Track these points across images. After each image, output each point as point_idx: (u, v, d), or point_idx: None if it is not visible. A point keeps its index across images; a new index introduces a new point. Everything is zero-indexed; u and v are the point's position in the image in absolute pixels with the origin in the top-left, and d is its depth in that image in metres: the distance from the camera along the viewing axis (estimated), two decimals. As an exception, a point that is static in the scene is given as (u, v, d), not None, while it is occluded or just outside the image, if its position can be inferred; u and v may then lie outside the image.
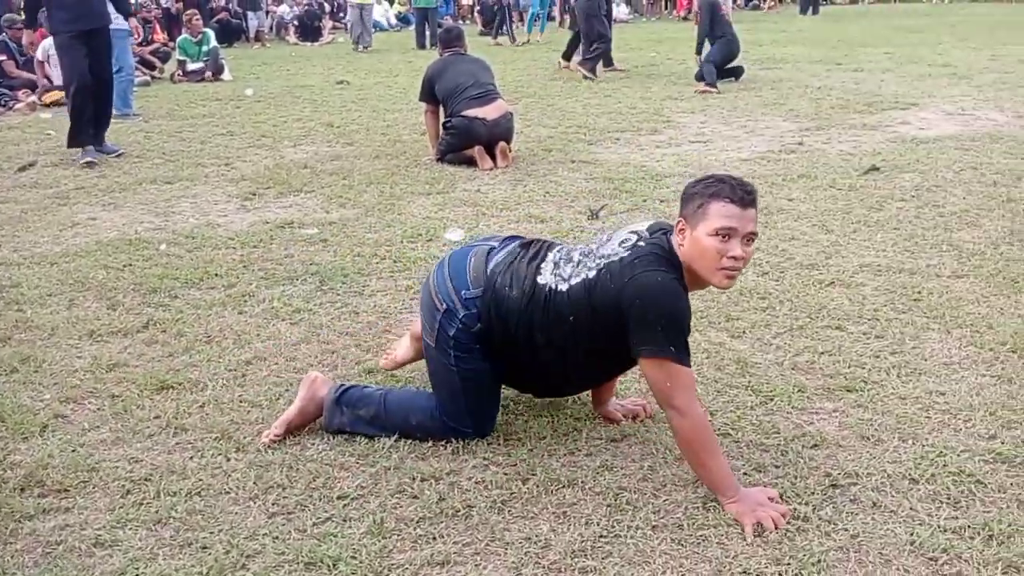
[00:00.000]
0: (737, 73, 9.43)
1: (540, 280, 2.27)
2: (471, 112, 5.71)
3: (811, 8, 20.68)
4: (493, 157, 5.73)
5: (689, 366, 2.12)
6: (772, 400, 2.65)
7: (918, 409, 2.57)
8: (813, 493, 2.17)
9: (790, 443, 2.41)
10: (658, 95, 8.71)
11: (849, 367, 2.86)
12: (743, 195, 2.11)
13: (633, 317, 2.10)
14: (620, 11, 21.05)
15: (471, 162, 5.74)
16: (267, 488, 2.24)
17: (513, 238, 2.50)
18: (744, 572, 1.91)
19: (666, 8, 22.73)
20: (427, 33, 15.06)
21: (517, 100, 8.21)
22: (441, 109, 5.99)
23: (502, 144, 5.78)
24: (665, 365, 2.09)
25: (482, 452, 2.39)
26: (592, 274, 2.20)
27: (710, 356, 2.95)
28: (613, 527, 2.06)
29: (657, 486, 2.22)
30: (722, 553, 1.97)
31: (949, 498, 2.14)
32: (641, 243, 2.19)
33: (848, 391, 2.71)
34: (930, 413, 2.56)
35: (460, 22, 19.60)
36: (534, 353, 2.29)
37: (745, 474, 2.26)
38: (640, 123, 7.21)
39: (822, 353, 2.97)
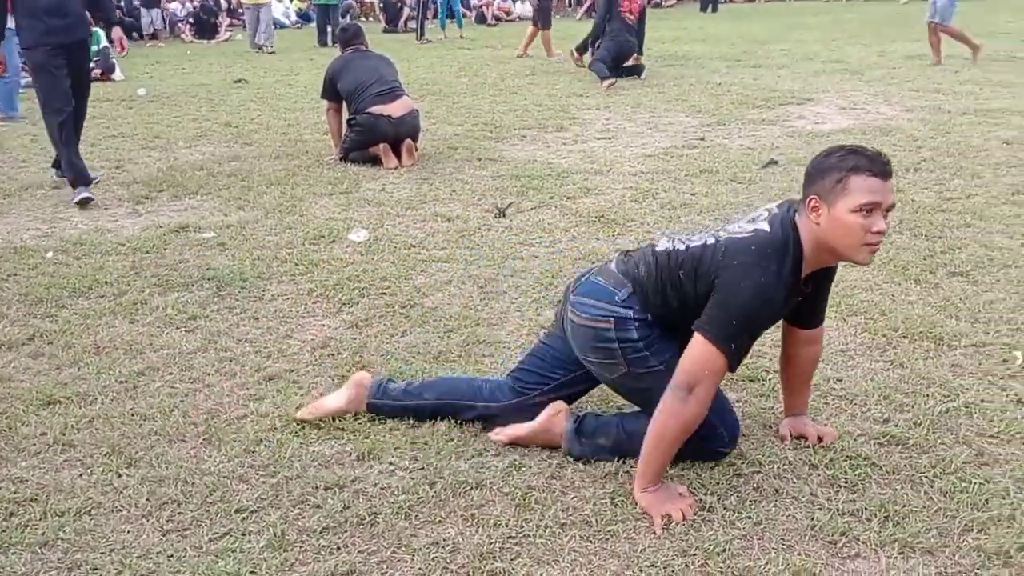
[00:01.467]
0: (638, 71, 9.56)
1: (658, 248, 2.27)
2: (376, 109, 5.63)
3: (711, 6, 21.17)
4: (398, 155, 5.66)
5: (731, 368, 2.09)
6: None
7: (817, 396, 2.62)
8: (718, 483, 2.19)
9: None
10: (563, 92, 8.75)
11: (751, 357, 2.88)
12: (882, 166, 2.01)
13: (717, 300, 2.07)
14: (525, 8, 21.12)
15: (375, 161, 5.66)
16: (161, 504, 2.15)
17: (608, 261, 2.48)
18: (652, 565, 1.91)
19: (570, 6, 22.91)
20: (328, 30, 14.81)
21: (423, 98, 8.13)
22: (344, 107, 5.88)
23: (408, 142, 5.71)
24: (714, 353, 2.04)
25: (388, 457, 2.34)
26: (711, 240, 2.16)
27: (617, 351, 2.96)
28: (522, 527, 2.04)
29: (566, 484, 2.21)
30: (630, 547, 1.97)
31: (847, 482, 2.20)
32: (764, 226, 2.10)
33: (751, 381, 2.75)
34: (828, 399, 2.62)
35: (362, 19, 19.38)
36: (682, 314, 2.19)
37: (652, 467, 2.26)
38: (546, 120, 7.23)
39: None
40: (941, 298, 3.33)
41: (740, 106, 7.64)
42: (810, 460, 2.29)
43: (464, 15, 17.50)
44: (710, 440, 2.22)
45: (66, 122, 4.87)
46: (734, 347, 2.05)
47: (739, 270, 2.05)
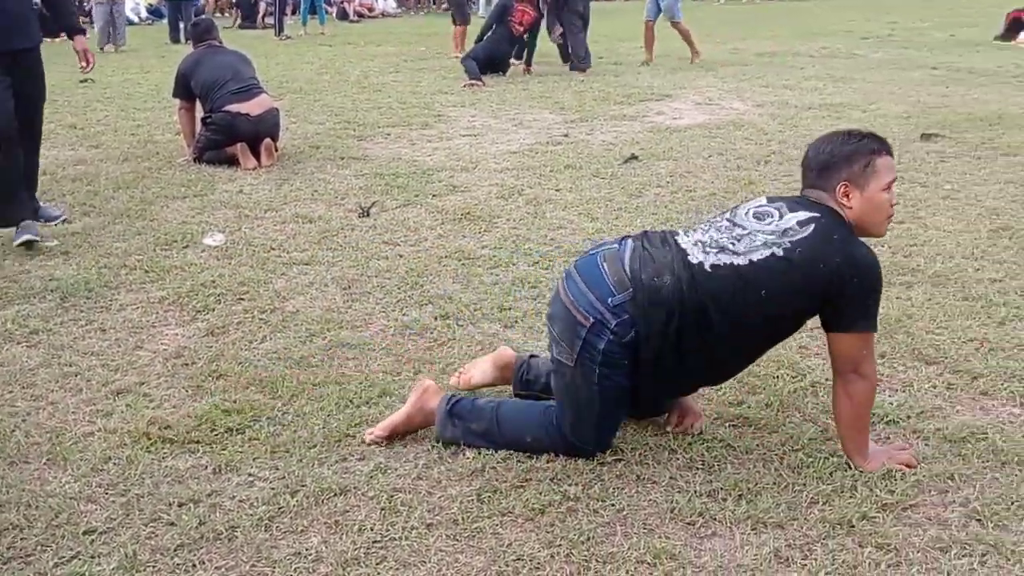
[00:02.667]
0: (504, 68, 9.63)
1: (694, 260, 2.16)
2: (233, 107, 5.44)
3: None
4: (257, 155, 5.48)
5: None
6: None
7: (675, 383, 2.70)
8: (582, 473, 2.22)
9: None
10: (428, 89, 8.72)
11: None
12: (889, 146, 2.24)
13: (848, 294, 2.10)
14: (388, 4, 20.92)
15: (232, 161, 5.46)
16: (1, 531, 2.00)
17: (625, 237, 2.35)
18: (518, 559, 1.92)
19: (433, 2, 22.86)
20: (181, 26, 14.24)
21: (283, 95, 7.93)
22: (199, 105, 5.66)
23: (267, 141, 5.54)
24: (866, 338, 2.15)
25: (247, 468, 2.26)
26: (781, 252, 2.12)
27: (484, 347, 2.96)
28: (387, 531, 2.01)
29: (432, 484, 2.20)
30: (497, 543, 1.97)
31: (704, 464, 2.27)
32: (819, 215, 2.15)
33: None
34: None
35: (217, 15, 18.73)
36: (702, 340, 2.14)
37: (519, 461, 2.27)
38: (411, 118, 7.18)
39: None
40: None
41: (602, 103, 7.80)
42: (670, 445, 2.35)
43: (326, 11, 17.18)
44: (582, 451, 2.28)
45: (4, 141, 3.86)
46: (875, 322, 2.16)
47: (852, 262, 2.11)
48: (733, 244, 2.17)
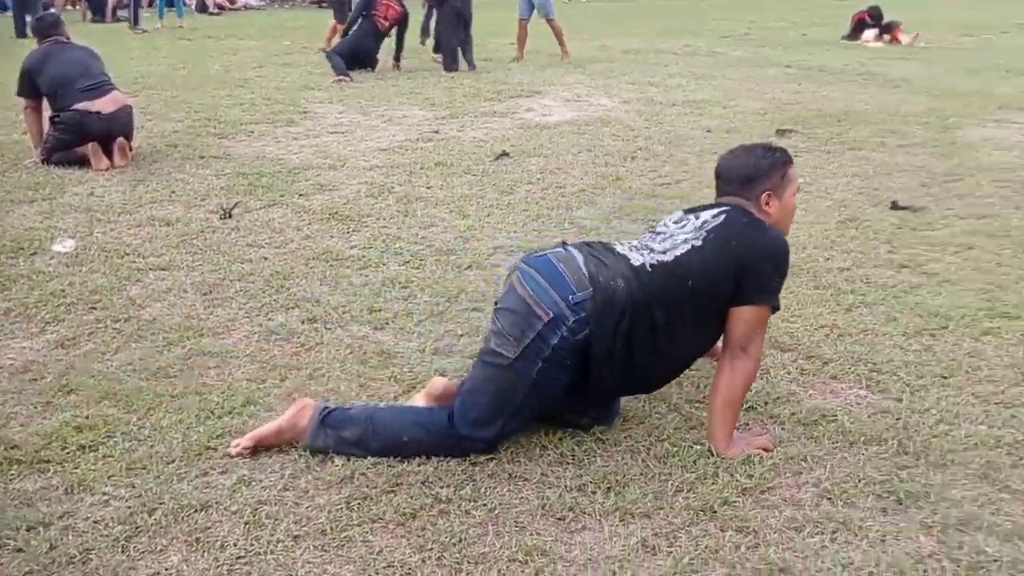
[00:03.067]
0: (372, 64, 9.51)
1: (635, 263, 2.29)
2: (83, 105, 5.15)
3: None
4: (110, 155, 5.21)
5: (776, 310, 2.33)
6: (415, 388, 2.67)
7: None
8: (454, 474, 2.21)
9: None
10: (294, 85, 8.51)
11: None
12: (792, 158, 2.46)
13: (753, 269, 2.25)
14: (253, -1, 20.32)
15: (83, 162, 5.17)
16: None
17: (565, 244, 2.41)
18: (389, 566, 1.90)
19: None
20: (27, 20, 13.38)
21: (137, 92, 7.57)
22: (47, 104, 5.33)
23: (120, 140, 5.28)
24: (764, 312, 2.28)
25: (101, 487, 2.14)
26: (699, 243, 2.29)
27: (353, 351, 2.92)
28: (252, 546, 1.94)
29: (299, 494, 2.14)
30: (367, 551, 1.94)
31: (574, 458, 2.30)
32: (730, 208, 2.35)
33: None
34: (556, 381, 2.73)
35: (68, 8, 17.73)
36: (651, 340, 2.25)
37: (390, 466, 2.24)
38: (275, 114, 6.99)
39: (462, 335, 3.06)
40: (655, 277, 3.58)
41: (473, 99, 7.81)
42: (541, 441, 2.37)
43: (184, 3, 16.50)
44: (472, 448, 2.28)
45: None
46: (776, 300, 2.30)
47: (762, 241, 2.29)
48: (660, 246, 2.34)
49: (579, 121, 6.90)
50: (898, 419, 2.50)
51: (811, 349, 2.95)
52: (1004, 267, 3.70)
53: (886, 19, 12.72)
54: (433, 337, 3.04)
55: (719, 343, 2.40)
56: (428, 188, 4.92)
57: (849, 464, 2.28)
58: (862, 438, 2.39)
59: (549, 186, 4.98)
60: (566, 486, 2.18)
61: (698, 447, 2.34)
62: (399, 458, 2.26)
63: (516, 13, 10.65)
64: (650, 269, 2.27)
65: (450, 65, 9.53)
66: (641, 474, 2.23)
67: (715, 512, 2.08)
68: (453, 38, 9.62)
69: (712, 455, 2.30)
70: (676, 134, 6.37)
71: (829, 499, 2.14)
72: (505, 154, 5.66)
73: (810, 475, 2.23)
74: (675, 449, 2.34)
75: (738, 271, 2.25)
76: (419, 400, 2.49)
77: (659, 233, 2.41)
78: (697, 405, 2.58)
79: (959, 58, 10.75)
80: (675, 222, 2.41)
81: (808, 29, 14.70)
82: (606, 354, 2.23)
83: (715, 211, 2.36)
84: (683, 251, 2.29)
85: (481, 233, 4.16)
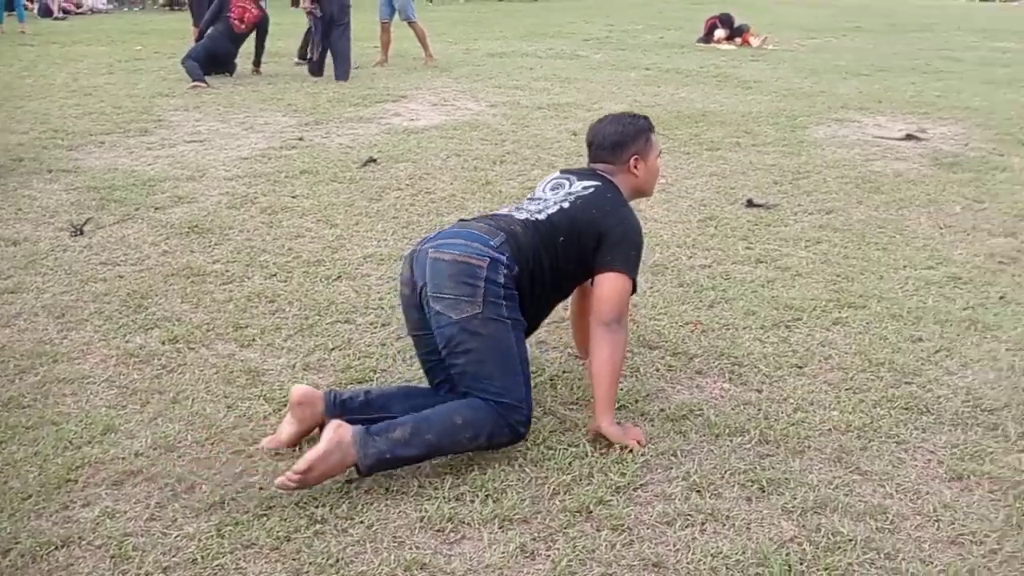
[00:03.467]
0: (230, 69, 9.23)
1: (519, 217, 2.51)
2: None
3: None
4: (-55, 171, 4.87)
5: (635, 292, 2.50)
6: (285, 406, 2.61)
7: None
8: (329, 493, 2.18)
9: (305, 446, 2.40)
10: (147, 92, 8.15)
11: (359, 359, 2.94)
12: (653, 124, 2.74)
13: (612, 238, 2.46)
14: (97, 1, 19.35)
15: (-85, 179, 4.82)
16: None
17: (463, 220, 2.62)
18: (265, 592, 1.85)
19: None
20: None
21: (-25, 102, 7.10)
22: None
23: (-44, 155, 4.94)
24: (625, 283, 2.44)
25: (-55, 532, 2.00)
26: (567, 204, 2.53)
27: (219, 370, 2.83)
28: (117, 582, 1.86)
29: (167, 524, 2.06)
30: (241, 578, 1.89)
31: (452, 468, 2.30)
32: (593, 182, 2.59)
33: (359, 382, 2.78)
34: (431, 391, 2.72)
35: None
36: (543, 279, 2.48)
37: (261, 488, 2.19)
38: (128, 123, 6.68)
39: (333, 349, 3.01)
40: (526, 281, 3.63)
41: (337, 105, 7.69)
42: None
43: (26, 7, 15.55)
44: (515, 415, 2.31)
45: None
46: (635, 275, 2.47)
47: (619, 214, 2.53)
48: (535, 207, 2.57)
49: (447, 125, 6.90)
50: (759, 409, 2.63)
51: (677, 346, 3.05)
52: (850, 259, 3.94)
53: (737, 23, 13.30)
54: (303, 352, 2.98)
55: None
56: (294, 197, 4.81)
57: (715, 456, 2.38)
58: (727, 430, 2.50)
59: (419, 192, 4.96)
60: (444, 496, 2.18)
61: (573, 449, 2.39)
62: (269, 480, 2.20)
63: (377, 16, 10.55)
64: (534, 221, 2.50)
65: (314, 69, 9.34)
66: (518, 480, 2.26)
67: (591, 512, 2.12)
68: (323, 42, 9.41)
69: (587, 457, 2.35)
70: (543, 137, 6.46)
71: (698, 491, 2.22)
72: (372, 160, 5.60)
73: (679, 469, 2.31)
74: (551, 452, 2.37)
75: (597, 235, 2.48)
76: (286, 415, 2.42)
77: (536, 199, 2.62)
78: (572, 407, 2.63)
79: (803, 60, 11.35)
80: (552, 189, 2.63)
81: (664, 32, 15.20)
82: (530, 288, 2.45)
83: (588, 183, 2.60)
84: (554, 211, 2.53)
85: (350, 242, 4.11)
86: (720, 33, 13.15)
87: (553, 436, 2.47)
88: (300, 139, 6.30)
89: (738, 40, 13.03)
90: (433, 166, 5.55)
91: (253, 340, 3.06)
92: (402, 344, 3.03)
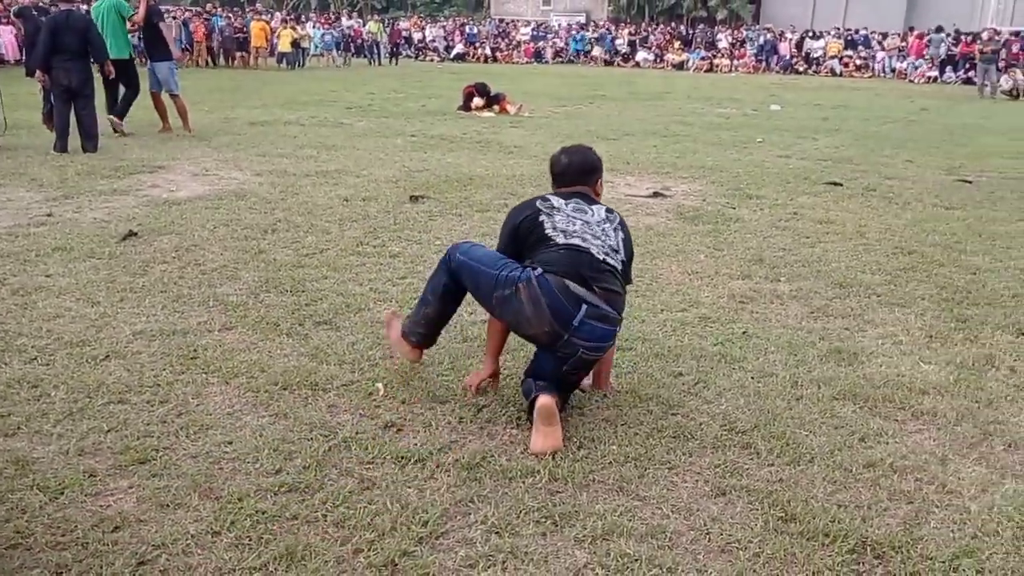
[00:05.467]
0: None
1: (611, 263, 3.03)
2: None
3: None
4: None
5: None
6: (63, 494, 2.46)
7: (210, 464, 2.65)
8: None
9: (90, 532, 2.27)
10: None
11: (138, 438, 2.81)
12: None
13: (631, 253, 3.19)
14: None
15: None
16: None
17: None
18: None
19: None
20: None
21: None
22: None
23: None
24: None
25: None
26: (622, 235, 3.14)
27: (-22, 464, 2.59)
28: None
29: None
30: None
31: (251, 539, 2.26)
32: (604, 206, 3.16)
33: (141, 463, 2.66)
34: (222, 464, 2.66)
35: None
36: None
37: (42, 584, 2.04)
38: None
39: (109, 431, 2.86)
40: (312, 347, 3.62)
41: (88, 177, 7.28)
42: (212, 528, 2.30)
43: None
44: None
45: None
46: None
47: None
48: (612, 250, 3.01)
49: (211, 195, 6.72)
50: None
51: (467, 399, 3.17)
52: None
53: (493, 92, 14.01)
54: (76, 437, 2.80)
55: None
56: (48, 276, 4.50)
57: (510, 498, 2.50)
58: (519, 472, 2.64)
59: (187, 264, 4.80)
60: (244, 568, 2.13)
61: (373, 506, 2.42)
62: (54, 571, 2.06)
63: (148, 87, 10.19)
64: (618, 268, 2.98)
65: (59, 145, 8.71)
66: (322, 542, 2.26)
67: (397, 565, 2.17)
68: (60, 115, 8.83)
69: (389, 512, 2.39)
70: (314, 204, 6.47)
71: (497, 533, 2.33)
72: (133, 234, 5.35)
73: (478, 514, 2.41)
74: (353, 511, 2.40)
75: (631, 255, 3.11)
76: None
77: (595, 233, 2.98)
78: (368, 466, 2.67)
79: (558, 126, 12.15)
80: (580, 213, 3.03)
81: (426, 100, 15.70)
82: None
83: (597, 206, 3.10)
84: (623, 253, 3.03)
85: (116, 320, 3.90)
86: (478, 101, 13.79)
87: (353, 496, 2.49)
88: (49, 215, 5.90)
89: (496, 108, 13.72)
90: (200, 237, 5.39)
91: (18, 428, 2.84)
92: (184, 421, 2.93)
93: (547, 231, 2.95)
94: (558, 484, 2.59)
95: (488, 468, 2.66)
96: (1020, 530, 2.43)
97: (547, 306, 2.79)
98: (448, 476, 2.62)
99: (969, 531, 2.42)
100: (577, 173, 3.17)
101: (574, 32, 36.42)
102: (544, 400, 2.77)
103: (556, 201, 3.05)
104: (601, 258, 2.91)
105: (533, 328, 2.87)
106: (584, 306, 2.81)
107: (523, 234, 3.00)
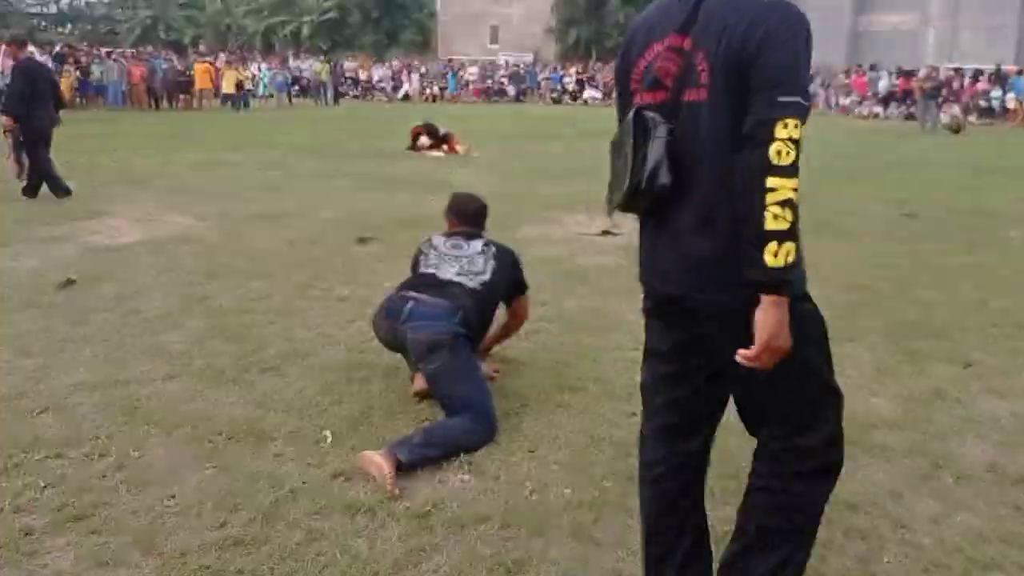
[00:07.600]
0: None
1: (468, 285, 3.61)
2: None
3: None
4: None
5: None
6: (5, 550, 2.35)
7: (152, 519, 2.56)
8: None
9: None
10: None
11: (76, 494, 2.71)
12: None
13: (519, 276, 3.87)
14: None
15: None
16: None
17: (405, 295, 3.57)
18: None
19: None
20: None
21: None
22: None
23: None
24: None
25: None
26: (493, 263, 3.71)
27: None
28: None
29: None
30: None
31: (196, 602, 2.18)
32: (490, 241, 3.83)
33: (79, 520, 2.57)
34: (164, 519, 2.58)
35: None
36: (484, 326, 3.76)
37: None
38: None
39: (45, 487, 2.75)
40: (258, 395, 3.54)
41: (24, 225, 7.09)
42: (155, 588, 2.22)
43: None
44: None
45: None
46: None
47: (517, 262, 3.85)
48: (474, 268, 3.65)
49: (154, 241, 6.60)
50: (499, 496, 2.75)
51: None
52: (566, 346, 4.26)
53: (441, 131, 14.06)
54: (11, 494, 2.70)
55: None
56: (-17, 327, 4.35)
57: (462, 545, 2.46)
58: (471, 519, 2.59)
59: (128, 312, 4.68)
60: (190, 630, 2.05)
61: (322, 558, 2.36)
62: None
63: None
64: (480, 288, 3.55)
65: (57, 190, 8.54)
66: (269, 599, 2.18)
67: (348, 620, 2.10)
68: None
69: (338, 564, 2.33)
70: (259, 248, 6.38)
71: (445, 580, 2.28)
72: (71, 282, 5.21)
73: (429, 563, 2.37)
74: (301, 564, 2.35)
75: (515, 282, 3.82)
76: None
77: (461, 260, 3.63)
78: (316, 516, 2.59)
79: (507, 165, 12.21)
80: (455, 250, 3.70)
81: (373, 141, 15.68)
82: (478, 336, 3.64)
83: (479, 242, 3.73)
84: (487, 278, 3.58)
85: (55, 371, 3.78)
86: (425, 141, 13.82)
87: (300, 548, 2.42)
88: (-17, 264, 5.73)
89: (445, 148, 13.76)
90: (142, 283, 5.28)
91: (-48, 490, 2.71)
92: (125, 475, 2.84)
93: (420, 265, 3.73)
94: (511, 531, 2.55)
95: (439, 516, 2.61)
96: (970, 562, 2.45)
97: (385, 308, 3.52)
98: (399, 525, 2.57)
99: (921, 565, 2.43)
100: (473, 215, 3.86)
101: (522, 69, 36.86)
102: (367, 454, 2.88)
103: (436, 240, 3.79)
104: (447, 278, 3.55)
105: (383, 333, 3.53)
106: (411, 302, 3.44)
107: (412, 268, 3.80)
